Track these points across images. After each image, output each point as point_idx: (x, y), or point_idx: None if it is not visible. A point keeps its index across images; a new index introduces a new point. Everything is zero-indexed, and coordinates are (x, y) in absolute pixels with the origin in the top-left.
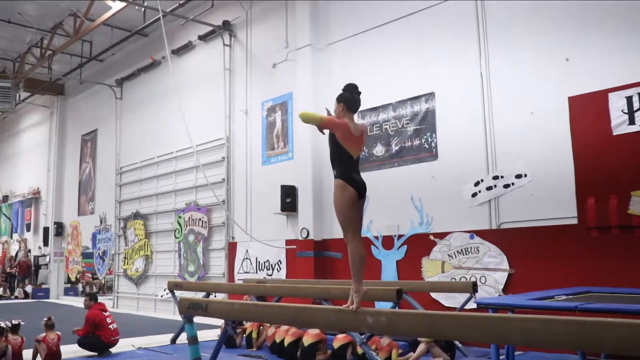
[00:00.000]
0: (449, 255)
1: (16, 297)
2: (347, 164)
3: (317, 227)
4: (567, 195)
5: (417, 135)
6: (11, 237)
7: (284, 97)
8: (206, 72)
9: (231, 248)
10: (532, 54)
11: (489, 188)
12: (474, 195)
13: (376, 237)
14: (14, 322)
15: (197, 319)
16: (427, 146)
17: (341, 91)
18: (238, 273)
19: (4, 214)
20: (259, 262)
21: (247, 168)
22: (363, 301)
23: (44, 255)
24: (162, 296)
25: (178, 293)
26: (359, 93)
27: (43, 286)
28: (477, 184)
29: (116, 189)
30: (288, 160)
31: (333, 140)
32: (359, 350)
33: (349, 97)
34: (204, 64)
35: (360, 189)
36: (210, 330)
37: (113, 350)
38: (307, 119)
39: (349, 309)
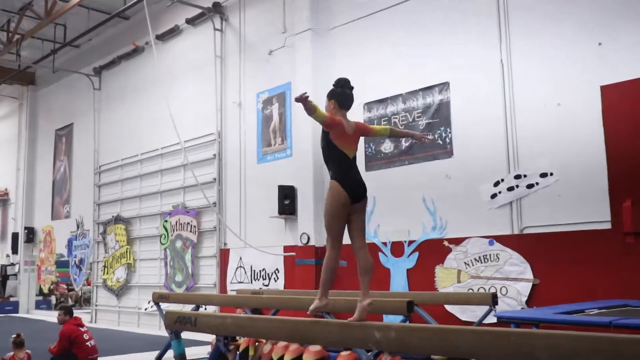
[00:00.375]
0: (465, 263)
1: None
2: (343, 164)
3: (319, 231)
4: (599, 197)
5: (430, 130)
6: None
7: (281, 88)
8: (195, 59)
9: (223, 255)
10: (560, 39)
11: (510, 188)
12: (494, 196)
13: (384, 243)
14: None
15: (186, 335)
16: (440, 142)
17: (332, 87)
18: (231, 283)
19: None
20: (254, 271)
21: (240, 166)
22: (370, 314)
23: (12, 264)
24: (146, 309)
25: (164, 306)
26: (351, 88)
27: (11, 299)
28: (496, 184)
29: (95, 190)
30: (286, 158)
31: (326, 139)
32: None
33: (341, 93)
34: (193, 51)
35: (357, 191)
36: (200, 347)
37: None
38: (318, 116)
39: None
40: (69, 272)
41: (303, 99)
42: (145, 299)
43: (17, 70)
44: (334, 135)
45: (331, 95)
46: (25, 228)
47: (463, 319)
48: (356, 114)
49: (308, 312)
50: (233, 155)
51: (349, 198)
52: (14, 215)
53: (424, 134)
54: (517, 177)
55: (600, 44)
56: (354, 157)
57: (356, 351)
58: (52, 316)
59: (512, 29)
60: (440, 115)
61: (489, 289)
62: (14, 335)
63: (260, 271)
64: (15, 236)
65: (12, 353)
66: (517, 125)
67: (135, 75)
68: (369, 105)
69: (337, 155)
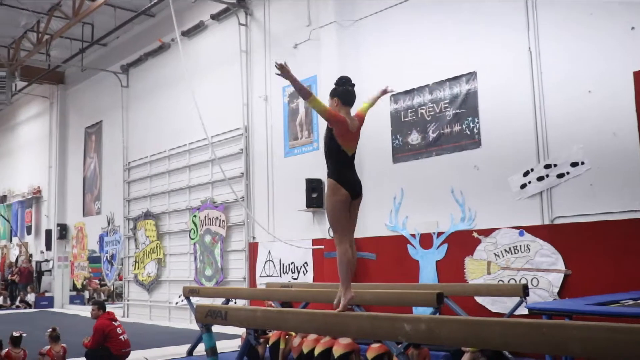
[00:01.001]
0: (495, 254)
1: (17, 307)
2: (341, 162)
3: None
4: (632, 185)
5: (458, 121)
6: (10, 241)
7: (307, 81)
8: (220, 55)
9: (252, 249)
10: (590, 24)
11: (540, 178)
12: (523, 186)
13: (413, 235)
14: (15, 334)
15: (216, 328)
16: (468, 132)
17: (333, 85)
18: (260, 277)
19: (2, 216)
20: (283, 265)
21: (268, 160)
22: (399, 306)
23: (46, 261)
24: (176, 303)
25: (194, 300)
26: (353, 85)
27: (46, 294)
28: (526, 173)
29: (124, 186)
30: (313, 151)
31: (330, 135)
32: None
33: (343, 91)
34: (218, 46)
35: (355, 189)
36: (230, 341)
37: None
38: (316, 104)
39: (334, 311)
40: (101, 268)
41: (280, 67)
42: (176, 293)
43: (47, 70)
44: (337, 131)
45: (334, 93)
46: (58, 225)
47: (493, 310)
48: (383, 106)
49: (337, 311)
50: (260, 150)
51: (349, 195)
52: (47, 213)
53: (386, 87)
54: (547, 166)
55: (633, 28)
56: (353, 155)
57: (386, 343)
58: (85, 311)
59: (540, 15)
60: (468, 105)
61: (520, 280)
62: (50, 330)
63: (289, 264)
64: (48, 233)
65: (48, 347)
66: (547, 114)
67: (162, 71)
68: (395, 97)
69: (337, 152)
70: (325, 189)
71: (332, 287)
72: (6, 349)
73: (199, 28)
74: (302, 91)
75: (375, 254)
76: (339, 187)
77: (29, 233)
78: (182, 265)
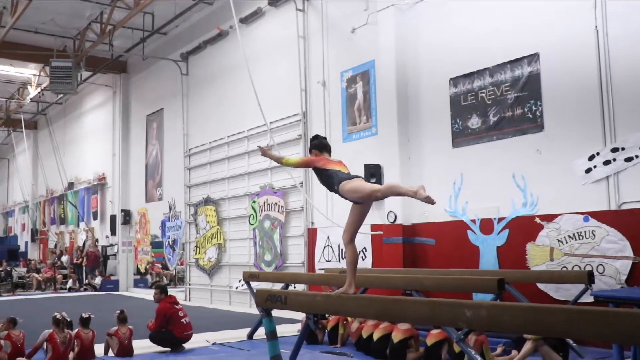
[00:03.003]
0: (558, 240)
1: (85, 289)
2: (340, 174)
3: (406, 209)
4: None
5: (519, 104)
6: (78, 226)
7: (365, 66)
8: (278, 41)
9: (311, 235)
10: None
11: (607, 162)
12: (588, 171)
13: (473, 221)
14: (84, 315)
15: (276, 313)
16: (530, 116)
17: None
18: (319, 262)
19: (70, 202)
20: (342, 250)
21: None
22: (458, 292)
23: (111, 245)
24: (237, 288)
25: (254, 284)
26: (324, 137)
27: (112, 278)
28: (591, 157)
29: (185, 173)
30: (372, 136)
31: (318, 171)
32: (456, 348)
33: (317, 143)
34: (276, 33)
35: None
36: (290, 325)
37: (186, 345)
38: (290, 161)
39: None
40: (163, 253)
41: (263, 152)
42: (236, 278)
43: (110, 59)
44: (320, 164)
45: (311, 148)
46: (122, 210)
47: (557, 297)
48: (441, 90)
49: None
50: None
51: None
52: (112, 199)
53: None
54: (614, 150)
55: None
56: (348, 173)
57: (446, 329)
58: (148, 294)
59: None
60: (530, 87)
61: (585, 267)
62: (118, 312)
63: None
64: (113, 218)
65: (116, 328)
66: (614, 96)
67: (221, 59)
68: (454, 81)
69: (334, 174)
70: (345, 194)
71: (392, 273)
72: (76, 330)
73: (256, 15)
74: (279, 160)
75: (435, 239)
76: (349, 179)
77: (95, 218)
78: (242, 251)
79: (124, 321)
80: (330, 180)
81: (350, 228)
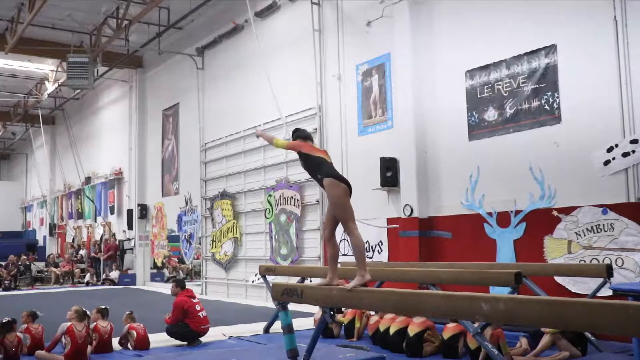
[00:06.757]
0: (576, 233)
1: (103, 283)
2: (326, 166)
3: (422, 203)
4: None
5: (536, 96)
6: (95, 220)
7: (380, 59)
8: (293, 35)
9: None
10: None
11: (626, 154)
12: (607, 162)
13: (489, 214)
14: (101, 307)
15: (292, 306)
16: (547, 108)
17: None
18: None
19: (87, 197)
20: None
21: (341, 140)
22: (475, 286)
23: (128, 239)
24: (253, 282)
25: (270, 278)
26: (304, 130)
27: (129, 272)
28: (610, 149)
29: (201, 167)
30: (387, 130)
31: (302, 155)
32: (471, 344)
33: (300, 134)
34: (291, 26)
35: (349, 184)
36: (306, 319)
37: (203, 339)
38: (279, 143)
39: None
40: (179, 247)
41: (258, 133)
42: (252, 272)
43: (126, 54)
44: (305, 150)
45: (294, 138)
46: (139, 205)
47: (574, 291)
48: (458, 83)
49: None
50: (334, 129)
51: (347, 188)
52: (128, 193)
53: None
54: (634, 141)
55: None
56: (332, 163)
57: (462, 323)
58: (165, 288)
59: None
60: (547, 79)
61: (603, 260)
62: (128, 312)
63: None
64: (130, 213)
65: (128, 325)
66: (633, 86)
67: (236, 53)
68: (471, 73)
69: (318, 161)
70: (325, 188)
71: (408, 266)
72: (94, 323)
73: (271, 8)
74: (269, 140)
75: (451, 232)
76: (337, 182)
77: (112, 213)
78: (258, 244)
79: (133, 321)
80: (318, 167)
81: (329, 224)
